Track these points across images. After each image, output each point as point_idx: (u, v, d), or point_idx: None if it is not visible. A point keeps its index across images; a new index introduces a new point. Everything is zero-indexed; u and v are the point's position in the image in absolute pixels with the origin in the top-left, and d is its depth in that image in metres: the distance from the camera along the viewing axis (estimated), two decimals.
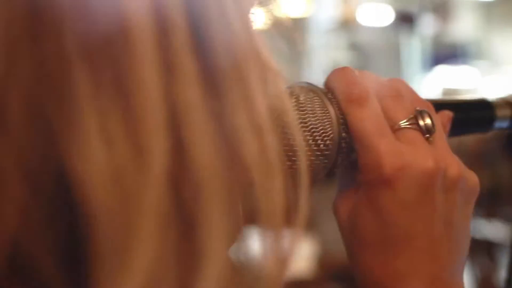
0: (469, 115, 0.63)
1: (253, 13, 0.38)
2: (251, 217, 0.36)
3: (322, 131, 0.52)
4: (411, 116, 0.54)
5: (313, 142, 0.52)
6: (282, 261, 0.35)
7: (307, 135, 0.52)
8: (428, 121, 0.54)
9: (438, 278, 0.52)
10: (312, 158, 0.52)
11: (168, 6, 0.32)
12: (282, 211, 0.35)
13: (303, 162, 0.40)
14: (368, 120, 0.52)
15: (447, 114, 0.58)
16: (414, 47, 7.07)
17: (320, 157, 0.53)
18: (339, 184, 0.55)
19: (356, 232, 0.53)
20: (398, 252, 0.52)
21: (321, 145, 0.52)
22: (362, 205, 0.52)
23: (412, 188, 0.51)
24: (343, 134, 0.53)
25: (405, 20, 6.86)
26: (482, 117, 0.63)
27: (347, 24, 7.02)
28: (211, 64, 0.33)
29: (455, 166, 0.54)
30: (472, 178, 0.55)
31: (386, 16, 7.01)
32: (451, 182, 0.53)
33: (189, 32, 0.32)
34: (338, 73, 0.55)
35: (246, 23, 0.36)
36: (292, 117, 0.40)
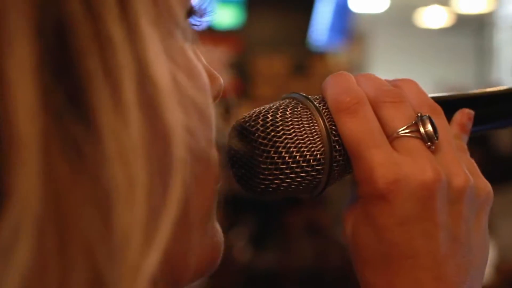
0: (498, 108, 0.58)
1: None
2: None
3: (310, 146, 0.50)
4: (411, 122, 0.49)
5: (301, 158, 0.49)
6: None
7: (293, 151, 0.49)
8: (429, 127, 0.49)
9: None
10: (302, 174, 0.49)
11: None
12: (139, 241, 0.34)
13: (176, 181, 0.36)
14: (360, 130, 0.48)
15: (467, 113, 0.54)
16: None
17: (312, 173, 0.50)
18: (350, 198, 0.51)
19: (357, 249, 0.49)
20: (399, 271, 0.48)
21: (311, 160, 0.49)
22: (360, 221, 0.49)
23: (409, 202, 0.47)
24: (337, 147, 0.50)
25: None
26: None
27: None
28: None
29: (460, 175, 0.49)
30: (484, 187, 0.51)
31: None
32: (456, 193, 0.49)
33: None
34: (330, 80, 0.51)
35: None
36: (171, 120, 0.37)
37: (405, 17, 8.26)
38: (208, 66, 0.47)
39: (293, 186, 0.50)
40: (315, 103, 0.51)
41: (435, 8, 8.12)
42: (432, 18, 8.28)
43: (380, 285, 0.48)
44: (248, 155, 0.50)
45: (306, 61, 5.73)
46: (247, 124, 0.51)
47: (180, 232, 0.39)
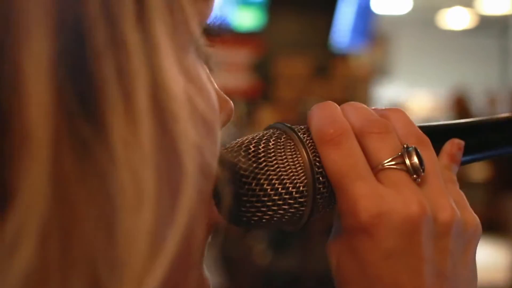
0: (489, 138, 0.57)
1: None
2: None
3: (293, 177, 0.48)
4: (397, 154, 0.48)
5: (284, 190, 0.48)
6: None
7: (275, 183, 0.48)
8: (415, 159, 0.48)
9: None
10: (284, 207, 0.48)
11: None
12: (144, 253, 0.33)
13: (186, 194, 0.36)
14: (343, 162, 0.47)
15: (457, 143, 0.53)
16: None
17: (295, 205, 0.49)
18: (333, 229, 0.50)
19: (341, 282, 0.48)
20: None
21: (294, 192, 0.48)
22: (344, 254, 0.48)
23: (393, 236, 0.46)
24: (321, 179, 0.49)
25: None
26: (507, 137, 0.57)
27: None
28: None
29: (447, 209, 0.48)
30: (471, 221, 0.50)
31: None
32: (442, 228, 0.48)
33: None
34: (315, 110, 0.50)
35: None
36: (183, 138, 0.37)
37: (428, 18, 8.22)
38: (219, 90, 0.47)
39: (275, 219, 0.49)
40: (299, 134, 0.50)
41: (458, 9, 8.07)
42: (455, 19, 8.23)
43: None
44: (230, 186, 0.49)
45: (328, 63, 5.71)
46: (229, 155, 0.50)
47: (183, 257, 0.39)
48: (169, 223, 0.35)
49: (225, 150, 0.50)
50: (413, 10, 7.77)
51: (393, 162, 0.48)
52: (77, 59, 0.34)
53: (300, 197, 0.49)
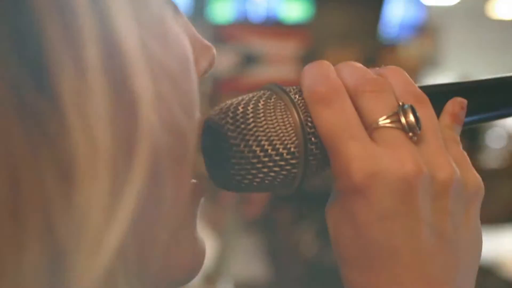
0: (494, 97, 0.54)
1: None
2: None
3: (283, 138, 0.47)
4: (392, 113, 0.46)
5: (274, 152, 0.47)
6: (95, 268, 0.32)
7: (265, 144, 0.47)
8: (411, 117, 0.46)
9: None
10: (275, 168, 0.47)
11: None
12: (102, 203, 0.32)
13: (141, 151, 0.34)
14: (335, 121, 0.46)
15: (459, 101, 0.51)
16: None
17: (286, 167, 0.47)
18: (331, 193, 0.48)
19: (338, 247, 0.47)
20: (380, 269, 0.45)
21: (284, 154, 0.47)
22: (339, 218, 0.46)
23: (388, 197, 0.44)
24: (313, 139, 0.47)
25: None
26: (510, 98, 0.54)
27: None
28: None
29: (445, 168, 0.46)
30: (473, 180, 0.48)
31: None
32: (440, 187, 0.46)
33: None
34: (307, 69, 0.49)
35: None
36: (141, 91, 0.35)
37: (477, 8, 8.08)
38: (198, 37, 0.45)
39: (267, 181, 0.48)
40: (290, 94, 0.49)
41: None
42: (506, 9, 8.07)
43: (361, 285, 0.46)
44: (219, 150, 0.48)
45: (376, 55, 5.67)
46: (217, 117, 0.48)
47: (153, 213, 0.38)
48: (126, 182, 0.34)
49: (213, 112, 0.48)
50: (462, 0, 7.65)
51: (388, 121, 0.46)
52: (18, 22, 0.32)
53: (291, 159, 0.47)
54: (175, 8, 0.43)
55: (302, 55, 5.61)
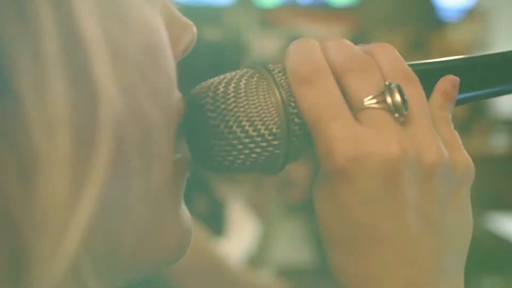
0: (487, 74, 0.52)
1: None
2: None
3: (265, 118, 0.46)
4: (378, 92, 0.45)
5: (255, 132, 0.46)
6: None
7: (245, 124, 0.46)
8: (397, 97, 0.45)
9: (415, 283, 0.44)
10: (256, 150, 0.46)
11: None
12: (63, 200, 0.32)
13: (102, 145, 0.34)
14: (317, 101, 0.44)
15: (451, 79, 0.49)
16: None
17: (268, 148, 0.46)
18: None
19: (323, 230, 0.46)
20: (366, 254, 0.44)
21: (266, 134, 0.46)
22: (324, 201, 0.45)
23: (372, 180, 0.43)
24: (296, 120, 0.46)
25: None
26: (506, 74, 0.52)
27: None
28: None
29: (432, 149, 0.45)
30: (463, 162, 0.46)
31: None
32: (427, 169, 0.44)
33: None
34: (292, 48, 0.47)
35: None
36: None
37: None
38: (177, 16, 0.44)
39: (248, 163, 0.47)
40: (274, 73, 0.47)
41: None
42: None
43: (347, 269, 0.45)
44: (199, 130, 0.47)
45: (425, 38, 5.60)
46: (198, 96, 0.47)
47: (121, 202, 0.37)
48: (87, 174, 0.33)
49: (195, 91, 0.47)
50: None
51: (373, 101, 0.45)
52: None
53: (273, 140, 0.46)
54: None
55: (350, 39, 5.58)
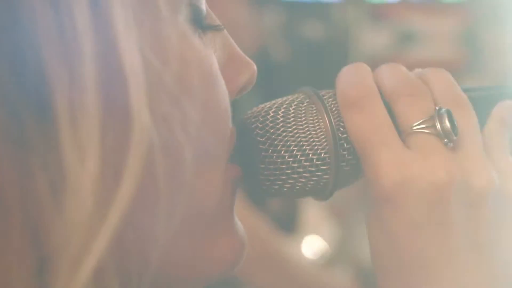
0: None
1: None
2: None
3: (314, 144, 0.47)
4: (427, 117, 0.46)
5: (303, 157, 0.47)
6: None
7: (294, 149, 0.46)
8: (446, 123, 0.45)
9: None
10: (305, 174, 0.47)
11: None
12: (86, 222, 0.33)
13: (131, 171, 0.35)
14: (366, 126, 0.45)
15: (508, 105, 0.49)
16: None
17: (317, 173, 0.47)
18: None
19: (373, 255, 0.47)
20: (415, 280, 0.44)
21: (315, 159, 0.47)
22: (373, 225, 0.46)
23: (418, 206, 0.44)
24: (345, 145, 0.47)
25: None
26: None
27: None
28: None
29: (482, 175, 0.45)
30: None
31: None
32: (476, 195, 0.44)
33: None
34: (342, 72, 0.48)
35: None
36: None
37: None
38: (238, 53, 0.45)
39: (297, 187, 0.47)
40: (324, 98, 0.48)
41: None
42: None
43: None
44: (249, 154, 0.48)
45: None
46: (248, 121, 0.48)
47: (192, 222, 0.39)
48: (113, 199, 0.35)
49: (246, 115, 0.48)
50: None
51: (422, 126, 0.45)
52: (18, 42, 0.33)
53: (322, 164, 0.47)
54: (208, 25, 0.44)
55: (461, 35, 5.45)
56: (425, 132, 0.45)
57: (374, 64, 0.51)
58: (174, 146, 0.40)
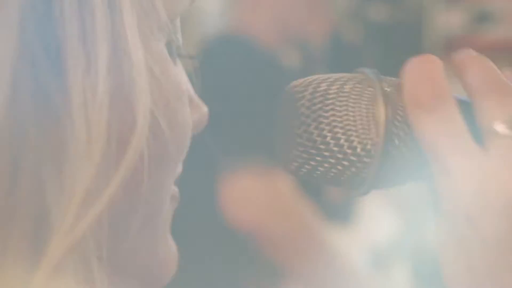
0: None
1: None
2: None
3: (361, 132, 0.42)
4: (510, 118, 0.41)
5: (346, 143, 0.42)
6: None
7: (338, 132, 0.42)
8: None
9: None
10: (344, 162, 0.42)
11: None
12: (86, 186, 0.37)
13: (131, 151, 0.38)
14: (438, 130, 0.41)
15: None
16: None
17: (357, 164, 0.42)
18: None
19: (446, 277, 0.42)
20: None
21: (358, 148, 0.42)
22: (447, 243, 0.41)
23: (496, 222, 0.39)
24: (395, 141, 0.42)
25: None
26: None
27: None
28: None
29: None
30: None
31: None
32: None
33: None
34: (410, 66, 0.43)
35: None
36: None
37: None
38: (193, 96, 0.46)
39: (331, 174, 0.42)
40: (385, 85, 0.43)
41: None
42: None
43: None
44: (289, 123, 0.43)
45: None
46: (296, 89, 0.44)
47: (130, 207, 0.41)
48: (113, 169, 0.38)
49: (296, 82, 0.44)
50: None
51: (503, 125, 0.41)
52: (43, 18, 0.37)
53: (365, 156, 0.42)
54: (180, 55, 0.46)
55: None
56: (507, 133, 0.41)
57: (450, 43, 0.48)
58: (163, 148, 0.42)
